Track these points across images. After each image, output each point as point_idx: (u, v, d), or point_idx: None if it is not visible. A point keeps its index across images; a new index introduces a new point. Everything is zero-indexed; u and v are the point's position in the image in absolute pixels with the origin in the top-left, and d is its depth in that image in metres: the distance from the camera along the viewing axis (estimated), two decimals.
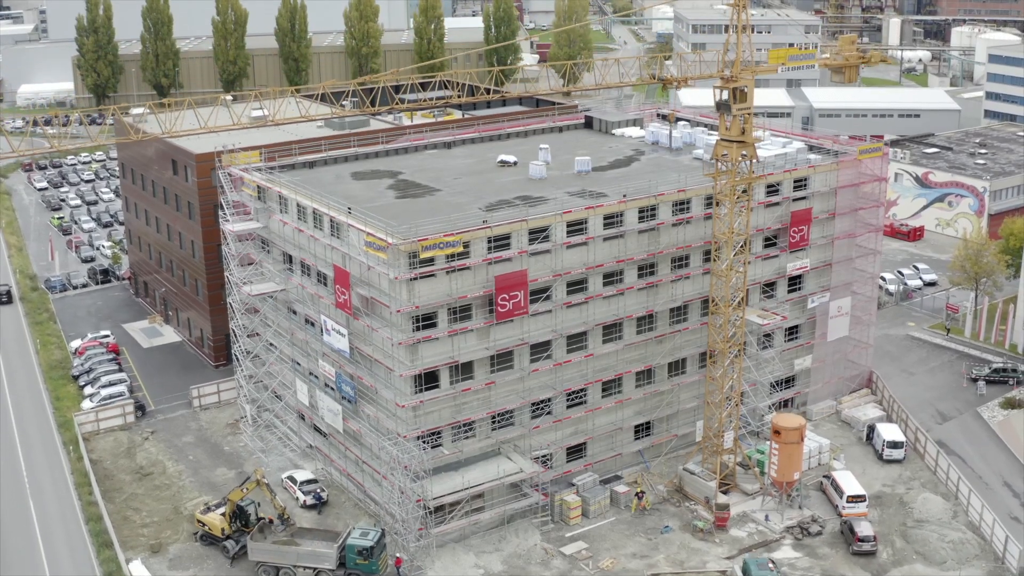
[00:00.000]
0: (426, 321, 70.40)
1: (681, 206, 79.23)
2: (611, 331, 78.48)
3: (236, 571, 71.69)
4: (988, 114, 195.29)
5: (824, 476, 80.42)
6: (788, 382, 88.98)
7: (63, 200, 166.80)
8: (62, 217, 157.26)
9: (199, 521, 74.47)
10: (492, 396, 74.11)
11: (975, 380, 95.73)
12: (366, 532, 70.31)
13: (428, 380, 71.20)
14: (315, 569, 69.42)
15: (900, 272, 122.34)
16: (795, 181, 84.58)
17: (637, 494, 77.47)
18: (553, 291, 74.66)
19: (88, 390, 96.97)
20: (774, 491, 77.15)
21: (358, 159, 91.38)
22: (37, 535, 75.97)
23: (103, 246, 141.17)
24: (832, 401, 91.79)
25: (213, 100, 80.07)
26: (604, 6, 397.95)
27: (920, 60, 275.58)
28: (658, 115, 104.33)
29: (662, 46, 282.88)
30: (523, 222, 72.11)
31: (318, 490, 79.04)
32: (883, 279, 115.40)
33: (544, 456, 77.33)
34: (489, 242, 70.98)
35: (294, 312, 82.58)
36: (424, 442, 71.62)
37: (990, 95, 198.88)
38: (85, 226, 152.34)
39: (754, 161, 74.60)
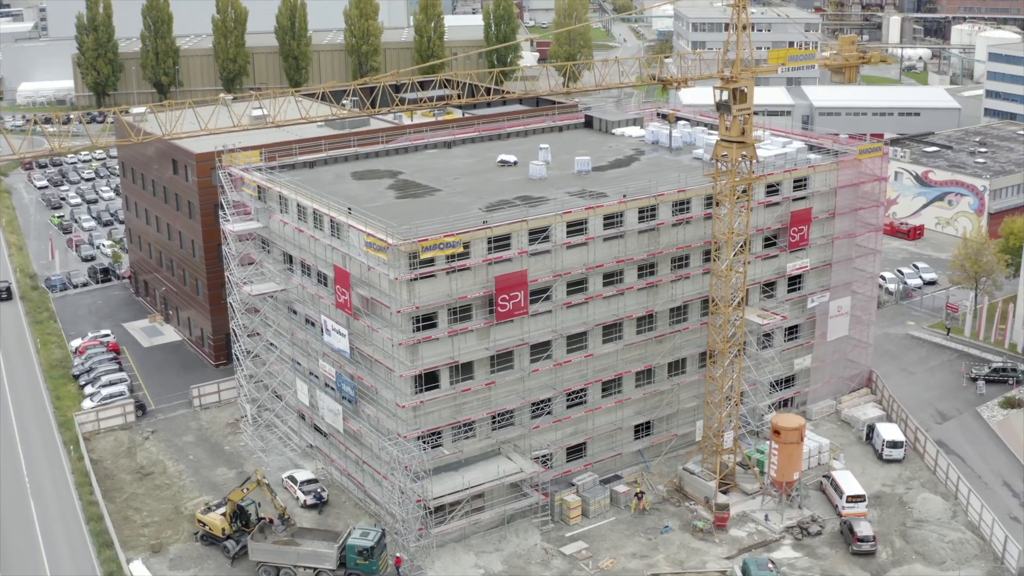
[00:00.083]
0: (426, 321, 70.47)
1: (681, 206, 79.27)
2: (611, 331, 78.54)
3: (237, 571, 71.79)
4: (988, 112, 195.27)
5: (824, 476, 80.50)
6: (788, 382, 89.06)
7: (63, 198, 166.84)
8: (62, 216, 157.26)
9: (200, 521, 74.55)
10: (492, 396, 74.19)
11: (975, 379, 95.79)
12: (366, 532, 70.40)
13: (428, 380, 71.28)
14: (315, 569, 69.52)
15: (900, 271, 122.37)
16: (795, 181, 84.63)
17: (636, 495, 77.55)
18: (553, 291, 74.72)
19: (88, 389, 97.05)
20: (774, 491, 77.22)
21: (358, 159, 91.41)
22: (38, 535, 76.07)
23: (103, 245, 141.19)
24: (832, 401, 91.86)
25: (213, 100, 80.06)
26: (604, 3, 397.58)
27: (920, 58, 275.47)
28: (658, 114, 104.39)
29: (662, 44, 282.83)
30: (523, 222, 72.17)
31: (318, 490, 79.13)
32: (883, 278, 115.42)
33: (544, 456, 77.42)
34: (489, 242, 71.04)
35: (294, 312, 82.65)
36: (424, 442, 71.71)
37: (990, 93, 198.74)
38: (85, 225, 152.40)
39: (754, 161, 74.65)
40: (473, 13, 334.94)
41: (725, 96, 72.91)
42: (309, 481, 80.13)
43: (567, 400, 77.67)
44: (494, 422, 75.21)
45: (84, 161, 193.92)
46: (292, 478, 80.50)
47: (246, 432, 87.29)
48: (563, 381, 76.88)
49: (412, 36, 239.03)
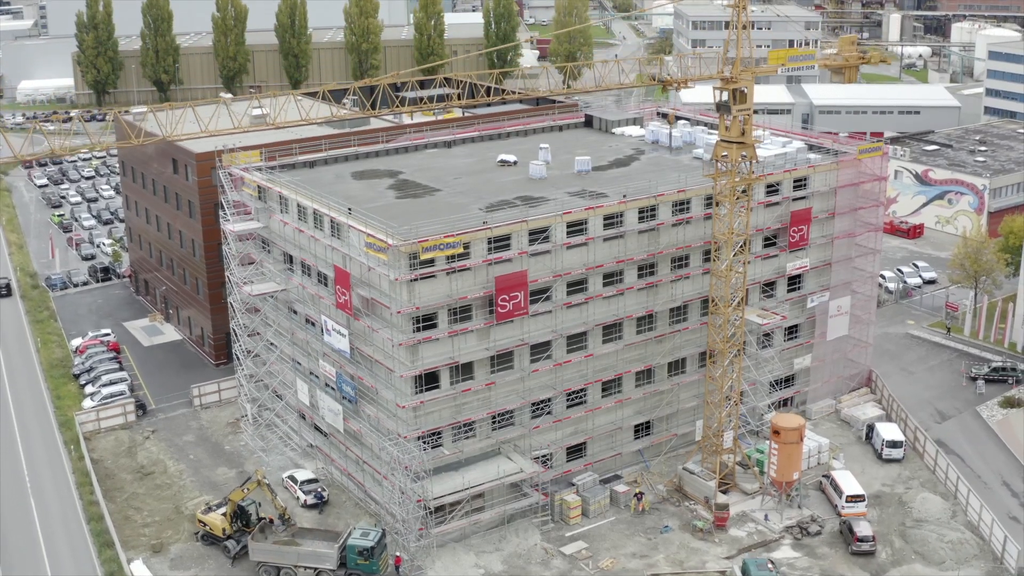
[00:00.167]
0: (426, 322, 70.54)
1: (681, 206, 79.31)
2: (611, 331, 78.60)
3: (237, 571, 71.89)
4: (988, 111, 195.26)
5: (823, 476, 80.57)
6: (787, 381, 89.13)
7: (63, 197, 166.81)
8: (62, 214, 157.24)
9: (200, 521, 74.64)
10: (492, 396, 74.26)
11: (974, 379, 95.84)
12: (367, 532, 70.49)
13: (428, 380, 71.35)
14: (316, 569, 69.61)
15: (900, 270, 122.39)
16: (795, 181, 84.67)
17: (636, 495, 77.63)
18: (553, 291, 74.79)
19: (89, 389, 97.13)
20: (773, 491, 77.29)
21: (358, 158, 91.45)
22: (38, 535, 76.16)
23: (103, 244, 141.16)
24: (831, 400, 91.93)
25: (213, 98, 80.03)
26: (604, 1, 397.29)
27: (920, 56, 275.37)
28: (658, 114, 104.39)
29: (662, 42, 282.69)
30: (523, 223, 72.23)
31: (319, 490, 79.21)
32: (882, 277, 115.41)
33: (544, 456, 77.50)
34: (489, 243, 71.09)
35: (295, 312, 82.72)
36: (424, 442, 71.80)
37: (990, 92, 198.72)
38: (85, 223, 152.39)
39: (754, 161, 74.68)
40: (473, 11, 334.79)
41: (725, 97, 72.95)
42: (309, 481, 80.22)
43: (567, 400, 77.75)
44: (494, 422, 75.29)
45: (84, 159, 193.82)
46: (292, 478, 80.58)
47: (246, 432, 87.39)
48: (563, 381, 76.95)
49: (412, 34, 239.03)
